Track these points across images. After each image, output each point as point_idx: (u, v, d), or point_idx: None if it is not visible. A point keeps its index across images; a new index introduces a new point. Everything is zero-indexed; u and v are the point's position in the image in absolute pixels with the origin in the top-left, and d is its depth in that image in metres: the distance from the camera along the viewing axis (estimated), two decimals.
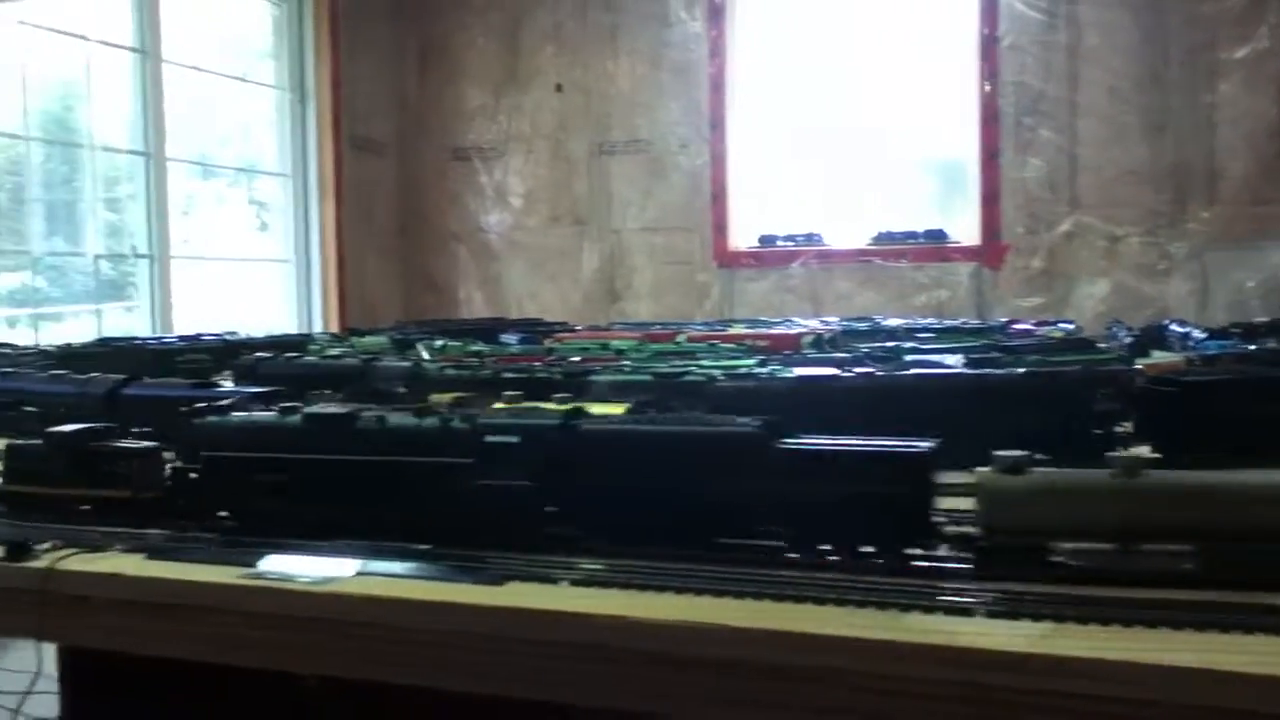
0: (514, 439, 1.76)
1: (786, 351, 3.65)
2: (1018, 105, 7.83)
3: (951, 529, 1.64)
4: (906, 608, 1.41)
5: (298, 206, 8.62)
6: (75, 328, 6.63)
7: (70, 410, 2.59)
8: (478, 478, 1.76)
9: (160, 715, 2.53)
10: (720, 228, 8.57)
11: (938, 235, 8.15)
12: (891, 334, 4.47)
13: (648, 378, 2.73)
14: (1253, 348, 3.56)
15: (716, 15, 8.54)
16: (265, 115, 8.58)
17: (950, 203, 8.35)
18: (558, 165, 9.02)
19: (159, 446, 2.05)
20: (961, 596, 1.43)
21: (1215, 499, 1.48)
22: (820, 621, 1.40)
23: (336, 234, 8.63)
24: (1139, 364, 3.08)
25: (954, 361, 3.05)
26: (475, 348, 4.06)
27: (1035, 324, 5.02)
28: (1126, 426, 2.25)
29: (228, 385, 3.17)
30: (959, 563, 1.55)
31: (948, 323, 5.26)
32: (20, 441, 2.16)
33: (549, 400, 2.37)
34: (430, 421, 1.86)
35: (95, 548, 1.86)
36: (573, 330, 5.47)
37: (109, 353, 4.08)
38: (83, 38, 6.80)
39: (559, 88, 8.97)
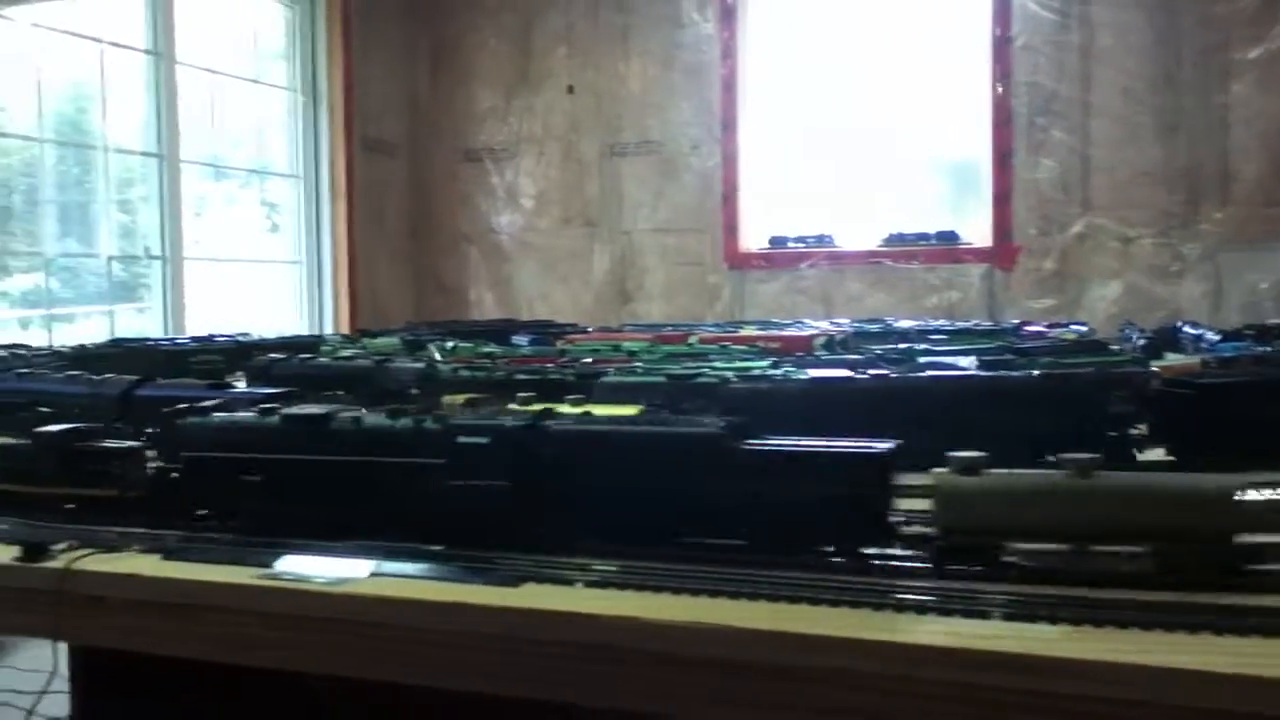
0: (485, 440, 1.78)
1: (799, 353, 3.65)
2: (1030, 106, 7.80)
3: (911, 529, 1.66)
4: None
5: (309, 208, 8.65)
6: (88, 329, 6.66)
7: (85, 411, 2.60)
8: (450, 477, 1.78)
9: (170, 715, 2.54)
10: (731, 229, 8.56)
11: (949, 237, 8.12)
12: (904, 336, 4.45)
13: (661, 379, 2.73)
14: (1268, 350, 3.54)
15: (728, 16, 8.54)
16: (277, 117, 8.61)
17: (962, 204, 8.33)
18: (569, 166, 9.03)
19: (142, 446, 2.09)
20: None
21: (1167, 500, 1.50)
22: (822, 623, 1.41)
23: (348, 235, 8.65)
24: (1154, 366, 3.06)
25: (968, 363, 3.05)
26: (487, 349, 4.06)
27: (1048, 326, 5.00)
28: (1141, 429, 2.25)
29: (241, 386, 3.18)
30: (916, 562, 1.57)
31: (960, 324, 5.23)
32: (8, 441, 2.19)
33: (563, 401, 2.37)
34: (404, 423, 1.88)
35: (111, 548, 1.86)
36: (584, 332, 5.46)
37: (122, 354, 4.10)
38: (96, 40, 6.84)
39: (570, 89, 8.98)
